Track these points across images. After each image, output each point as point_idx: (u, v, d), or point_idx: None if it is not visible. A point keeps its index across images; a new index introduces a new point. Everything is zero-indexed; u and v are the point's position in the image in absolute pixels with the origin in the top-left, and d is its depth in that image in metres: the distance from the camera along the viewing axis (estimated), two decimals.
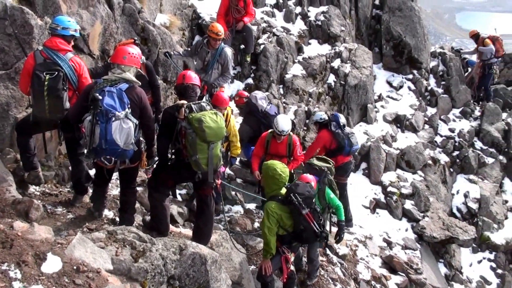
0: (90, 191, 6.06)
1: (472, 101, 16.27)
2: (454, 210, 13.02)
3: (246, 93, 9.25)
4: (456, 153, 14.31)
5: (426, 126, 14.78)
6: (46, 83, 5.14)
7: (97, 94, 4.71)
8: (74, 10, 6.91)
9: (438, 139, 14.70)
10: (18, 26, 5.67)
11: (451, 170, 13.92)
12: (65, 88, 5.32)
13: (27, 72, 5.27)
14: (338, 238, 7.09)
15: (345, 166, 9.22)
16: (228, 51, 8.80)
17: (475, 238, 11.71)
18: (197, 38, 11.47)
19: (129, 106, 4.86)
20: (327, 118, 9.21)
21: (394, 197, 11.79)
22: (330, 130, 8.96)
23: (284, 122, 7.71)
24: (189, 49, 9.20)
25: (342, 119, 9.10)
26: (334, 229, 7.30)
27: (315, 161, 7.31)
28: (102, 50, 7.65)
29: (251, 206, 8.84)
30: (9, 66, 5.72)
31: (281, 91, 12.30)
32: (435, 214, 11.77)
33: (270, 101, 9.33)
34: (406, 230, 11.34)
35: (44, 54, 5.30)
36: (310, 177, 6.70)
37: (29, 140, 5.64)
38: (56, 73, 5.21)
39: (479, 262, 11.89)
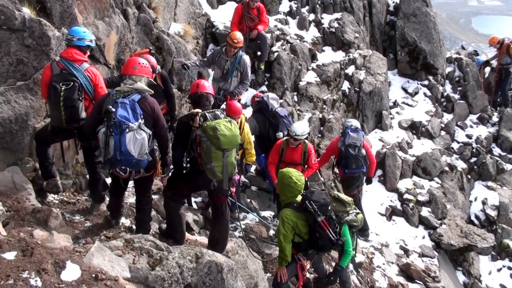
0: (107, 199, 6.12)
1: (489, 107, 16.08)
2: (472, 218, 12.84)
3: (261, 94, 9.22)
4: (473, 159, 14.16)
5: (443, 133, 14.65)
6: (62, 93, 5.23)
7: (111, 107, 4.75)
8: (90, 20, 7.01)
9: (455, 145, 14.57)
10: (36, 38, 5.77)
11: (469, 177, 13.77)
12: (80, 98, 5.39)
13: (44, 82, 5.38)
14: (327, 280, 6.70)
15: (347, 181, 9.26)
16: (247, 58, 8.90)
17: (494, 246, 11.56)
18: (211, 46, 11.57)
19: (142, 116, 4.89)
20: (351, 126, 9.09)
21: (411, 204, 11.71)
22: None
23: (299, 127, 7.74)
24: (205, 59, 9.23)
25: (350, 138, 8.87)
26: None
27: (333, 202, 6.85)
28: (117, 60, 7.74)
29: (266, 213, 8.83)
30: (27, 77, 5.82)
31: (295, 98, 12.33)
32: (452, 221, 11.65)
33: (282, 106, 9.27)
34: (423, 237, 11.24)
35: (60, 65, 5.38)
36: None
37: (47, 149, 5.73)
38: (72, 83, 5.30)
39: (499, 270, 11.70)
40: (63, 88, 5.23)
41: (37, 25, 5.78)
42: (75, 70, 5.40)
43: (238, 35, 8.61)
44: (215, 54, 8.86)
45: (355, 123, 9.23)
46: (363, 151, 9.00)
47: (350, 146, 8.86)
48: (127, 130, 4.72)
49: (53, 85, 5.23)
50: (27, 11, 5.80)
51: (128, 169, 5.00)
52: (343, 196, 7.10)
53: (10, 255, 3.42)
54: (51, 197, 6.16)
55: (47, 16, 6.27)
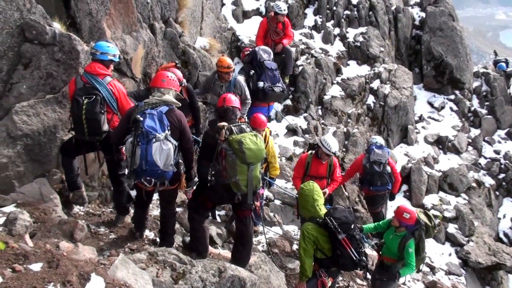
0: (132, 211, 6.16)
1: None
2: (501, 235, 12.59)
3: (250, 49, 9.62)
4: (502, 175, 13.89)
5: (470, 148, 14.43)
6: (84, 107, 5.31)
7: (139, 116, 4.84)
8: (118, 35, 7.13)
9: (483, 161, 14.32)
10: (65, 52, 5.88)
11: (497, 193, 13.51)
12: (102, 111, 5.47)
13: (71, 96, 5.48)
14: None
15: (372, 198, 9.23)
16: (241, 79, 8.59)
17: None
18: (236, 60, 11.62)
19: (169, 128, 4.95)
20: (376, 143, 9.05)
21: (437, 221, 11.51)
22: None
23: (334, 143, 7.70)
24: (203, 86, 8.80)
25: (375, 155, 8.81)
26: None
27: (421, 214, 7.05)
28: (144, 74, 7.83)
29: (290, 228, 8.77)
30: (56, 90, 5.92)
31: (320, 112, 12.28)
32: (480, 238, 11.42)
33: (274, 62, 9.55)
34: (450, 254, 11.03)
35: (84, 79, 5.48)
36: (410, 209, 6.82)
37: (73, 161, 5.81)
38: (94, 97, 5.38)
39: None
40: (85, 102, 5.31)
41: (67, 39, 5.89)
42: (98, 84, 5.48)
43: (229, 60, 8.26)
44: (209, 81, 8.50)
45: (380, 140, 9.16)
46: (388, 168, 8.88)
47: (375, 163, 8.76)
48: (154, 140, 4.78)
49: (76, 99, 5.32)
50: (57, 26, 5.92)
51: (153, 180, 5.04)
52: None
53: (36, 267, 3.46)
54: (77, 208, 6.24)
55: (76, 31, 6.39)
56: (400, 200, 11.92)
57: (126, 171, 5.19)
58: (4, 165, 5.48)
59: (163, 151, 4.83)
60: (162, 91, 5.18)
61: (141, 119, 4.82)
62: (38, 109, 5.73)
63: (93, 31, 6.60)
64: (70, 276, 3.38)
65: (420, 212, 7.09)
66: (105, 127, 5.51)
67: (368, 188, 8.94)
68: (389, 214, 10.92)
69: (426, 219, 6.97)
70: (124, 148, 5.12)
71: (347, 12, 15.09)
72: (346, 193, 10.61)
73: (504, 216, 13.04)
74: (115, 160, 5.79)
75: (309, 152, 8.06)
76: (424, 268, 10.20)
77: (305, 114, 11.80)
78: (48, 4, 6.08)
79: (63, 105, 5.94)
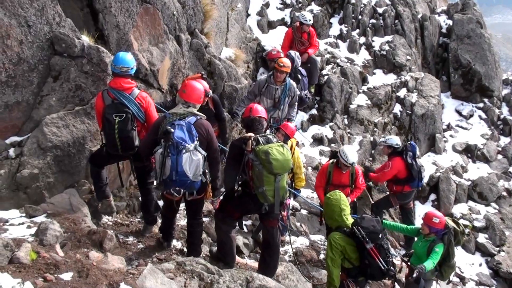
0: (159, 221, 6.20)
1: None
2: None
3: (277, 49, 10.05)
4: None
5: (499, 156, 14.11)
6: (116, 126, 5.37)
7: (169, 127, 4.87)
8: (145, 47, 7.22)
9: None
10: (94, 64, 5.98)
11: None
12: (134, 127, 5.52)
13: (98, 113, 5.55)
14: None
15: (408, 193, 9.24)
16: (293, 82, 8.87)
17: None
18: (261, 70, 11.66)
19: (197, 138, 4.98)
20: (401, 145, 9.09)
21: (467, 230, 11.27)
22: (405, 160, 8.83)
23: (352, 154, 7.70)
24: (248, 95, 8.94)
25: (416, 148, 9.09)
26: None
27: (449, 220, 7.08)
28: (170, 85, 7.91)
29: (316, 237, 8.72)
30: (85, 102, 6.03)
31: (346, 121, 12.23)
32: (511, 248, 11.14)
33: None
34: (480, 265, 10.78)
35: (111, 94, 5.50)
36: (438, 214, 6.86)
37: (102, 171, 5.88)
38: (125, 115, 5.42)
39: None
40: (116, 121, 5.37)
41: (95, 52, 5.99)
42: (126, 100, 5.50)
43: (286, 60, 8.58)
44: (261, 85, 8.67)
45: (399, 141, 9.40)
46: None
47: (419, 167, 9.03)
48: (184, 151, 4.82)
49: (107, 118, 5.38)
50: (86, 39, 6.04)
51: (182, 190, 5.07)
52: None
53: (67, 276, 3.51)
54: (105, 218, 6.31)
55: (104, 43, 6.51)
56: (428, 210, 11.73)
57: (155, 181, 5.23)
58: (34, 176, 5.60)
59: (193, 161, 4.87)
60: (188, 103, 5.22)
61: (172, 130, 4.86)
62: (68, 121, 5.84)
63: (121, 43, 6.71)
64: (100, 285, 3.42)
65: (448, 218, 7.07)
66: (137, 141, 5.58)
67: (417, 184, 9.08)
68: (417, 222, 10.77)
69: (454, 224, 6.96)
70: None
71: (372, 21, 15.00)
72: (373, 202, 10.48)
73: None
74: (145, 169, 5.84)
75: (331, 161, 8.04)
76: (454, 278, 10.00)
77: (331, 124, 11.78)
78: (76, 18, 6.22)
79: (92, 116, 6.03)
